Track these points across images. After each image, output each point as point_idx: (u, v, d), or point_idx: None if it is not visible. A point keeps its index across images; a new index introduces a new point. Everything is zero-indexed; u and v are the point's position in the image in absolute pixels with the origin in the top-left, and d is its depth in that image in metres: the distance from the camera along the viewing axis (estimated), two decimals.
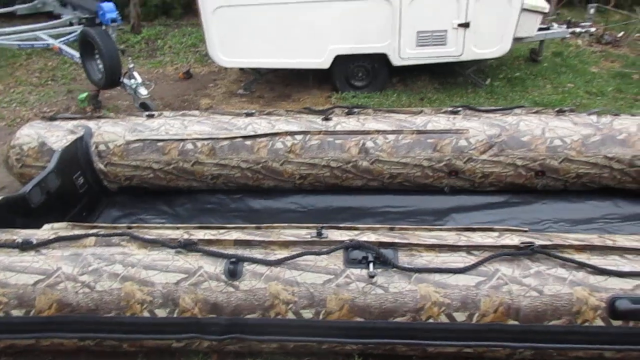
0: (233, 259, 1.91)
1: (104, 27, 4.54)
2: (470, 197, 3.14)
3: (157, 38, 7.10)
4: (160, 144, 3.11)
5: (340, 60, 4.86)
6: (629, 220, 2.88)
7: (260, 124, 3.17)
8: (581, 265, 1.85)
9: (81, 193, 3.11)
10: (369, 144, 3.07)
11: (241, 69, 5.54)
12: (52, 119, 3.34)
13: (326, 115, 3.20)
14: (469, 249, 1.94)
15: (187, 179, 3.19)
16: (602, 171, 2.99)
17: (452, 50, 4.73)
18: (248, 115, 3.28)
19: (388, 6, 4.54)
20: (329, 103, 4.90)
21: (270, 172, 3.15)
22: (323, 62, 4.81)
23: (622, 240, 1.99)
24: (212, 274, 1.92)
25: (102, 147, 3.15)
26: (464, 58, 4.78)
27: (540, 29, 5.48)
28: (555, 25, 5.55)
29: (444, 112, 3.22)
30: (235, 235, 2.06)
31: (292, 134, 3.10)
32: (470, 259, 1.90)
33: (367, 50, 4.77)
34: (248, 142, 3.11)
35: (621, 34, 6.56)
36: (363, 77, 5.01)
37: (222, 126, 3.17)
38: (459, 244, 1.96)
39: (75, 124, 3.24)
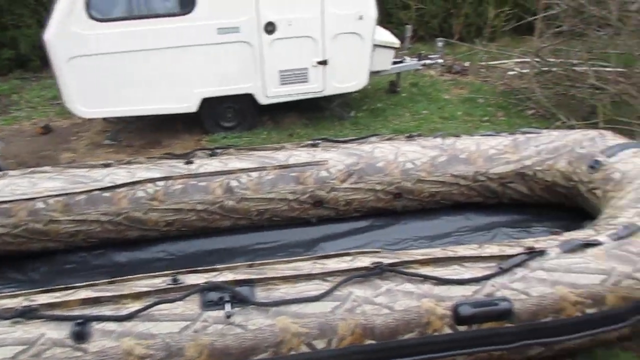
0: (79, 320, 1.79)
1: None
2: (337, 225, 3.24)
3: (12, 92, 6.64)
4: (4, 205, 2.88)
5: (208, 103, 4.87)
6: (478, 230, 3.14)
7: (119, 174, 3.05)
8: (425, 278, 1.98)
9: None
10: (233, 183, 3.08)
11: (105, 119, 5.32)
12: None
13: (188, 158, 3.17)
14: (324, 275, 2.00)
15: (41, 240, 2.97)
16: (452, 188, 3.25)
17: (314, 87, 4.95)
18: (106, 166, 3.16)
19: (249, 48, 4.66)
20: (200, 146, 4.86)
21: (133, 223, 3.03)
22: (190, 106, 4.79)
23: (462, 250, 2.16)
24: (57, 340, 1.78)
25: None
26: (326, 93, 5.02)
27: (395, 63, 5.93)
28: (407, 58, 6.01)
29: (305, 146, 3.33)
30: (83, 294, 1.94)
31: (153, 180, 3.03)
32: (325, 286, 1.95)
33: (233, 92, 4.83)
34: (107, 194, 2.98)
35: (467, 63, 7.28)
36: (232, 117, 5.05)
37: (77, 180, 3.01)
38: (314, 272, 2.01)
39: None
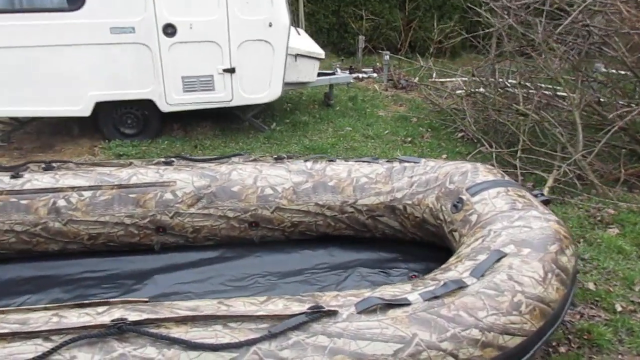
0: None
1: None
2: (183, 254, 2.88)
3: None
4: None
5: (105, 107, 4.51)
6: (336, 269, 2.78)
7: None
8: (173, 341, 1.62)
9: None
10: (61, 202, 2.72)
11: None
12: None
13: (17, 171, 2.81)
14: (47, 333, 1.63)
15: None
16: (317, 219, 2.91)
17: (221, 96, 4.60)
18: None
19: (147, 51, 4.31)
20: (94, 153, 4.50)
21: None
22: (83, 109, 4.43)
23: (239, 305, 1.80)
24: None
25: None
26: (234, 103, 4.67)
27: (325, 74, 5.60)
28: (339, 70, 5.68)
29: (156, 164, 2.98)
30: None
31: None
32: (43, 347, 1.59)
33: (131, 97, 4.47)
34: None
35: (416, 79, 6.96)
36: (133, 124, 4.69)
37: None
38: (41, 328, 1.64)
39: None
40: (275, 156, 3.09)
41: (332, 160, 3.06)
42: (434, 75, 6.82)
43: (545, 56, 4.32)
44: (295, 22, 7.65)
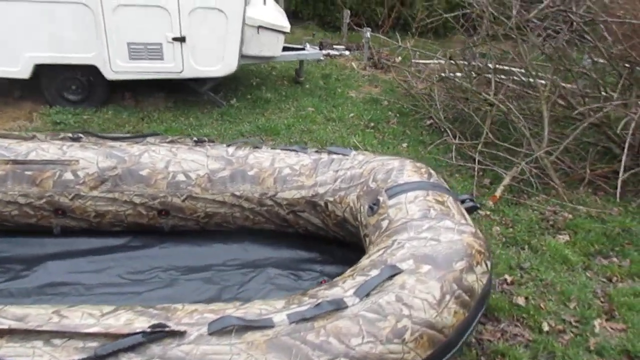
0: None
1: None
2: (85, 239, 2.66)
3: None
4: None
5: (47, 70, 4.23)
6: (246, 267, 2.55)
7: None
8: None
9: None
10: None
11: None
12: None
13: None
14: None
15: None
16: (233, 210, 2.67)
17: (170, 66, 4.30)
18: None
19: (89, 12, 4.00)
20: (32, 119, 4.24)
21: None
22: (20, 71, 4.14)
23: (75, 317, 1.56)
24: None
25: None
26: (185, 75, 4.37)
27: (293, 49, 5.28)
28: (308, 45, 5.36)
29: (62, 139, 2.72)
30: None
31: None
32: None
33: (72, 61, 4.18)
34: None
35: (399, 59, 6.62)
36: (77, 90, 4.42)
37: None
38: None
39: None
40: (196, 139, 2.83)
41: (257, 147, 2.80)
42: (417, 55, 6.47)
43: (518, 42, 4.00)
44: None
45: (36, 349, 1.44)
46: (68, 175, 2.55)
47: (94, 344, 1.47)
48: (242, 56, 4.74)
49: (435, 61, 5.54)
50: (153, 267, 2.53)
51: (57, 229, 2.65)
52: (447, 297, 1.75)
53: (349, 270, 1.93)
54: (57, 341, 1.46)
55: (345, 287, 1.75)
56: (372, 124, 4.69)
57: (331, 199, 2.55)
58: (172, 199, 2.62)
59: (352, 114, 4.90)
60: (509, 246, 3.03)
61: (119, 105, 4.59)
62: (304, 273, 2.51)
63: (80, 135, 2.75)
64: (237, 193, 2.63)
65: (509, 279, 2.73)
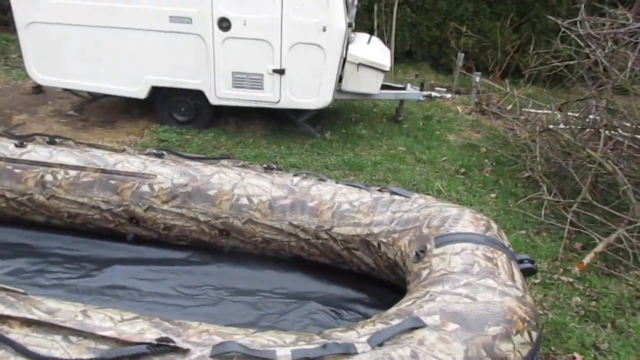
0: None
1: None
2: (152, 249, 2.84)
3: None
4: None
5: (161, 92, 4.67)
6: (292, 298, 2.54)
7: None
8: (5, 342, 1.53)
9: None
10: (48, 177, 2.81)
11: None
12: None
13: (22, 141, 2.95)
14: None
15: None
16: (290, 239, 2.70)
17: (269, 96, 4.52)
18: None
19: (202, 43, 4.36)
20: (143, 134, 4.68)
21: None
22: (139, 91, 4.61)
23: (96, 318, 1.65)
24: None
25: None
26: (281, 105, 4.56)
27: (393, 88, 5.29)
28: (409, 86, 5.32)
29: (147, 154, 2.96)
30: None
31: None
32: None
33: (183, 85, 4.57)
34: None
35: (509, 106, 6.33)
36: (186, 112, 4.80)
37: None
38: None
39: None
40: (265, 165, 2.93)
41: (322, 180, 2.82)
42: (530, 105, 6.14)
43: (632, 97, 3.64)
44: (386, 30, 7.39)
45: (54, 342, 1.56)
46: (145, 188, 2.76)
47: (104, 347, 1.55)
48: (341, 91, 4.87)
49: (545, 111, 5.21)
50: (206, 284, 2.62)
51: (130, 236, 2.87)
52: None
53: (374, 316, 1.84)
54: (73, 338, 1.57)
55: (361, 332, 1.68)
56: (464, 170, 4.50)
57: (384, 240, 2.47)
58: (233, 221, 2.71)
59: (444, 158, 4.75)
60: (587, 321, 2.70)
61: (220, 129, 4.90)
62: (346, 312, 2.45)
63: (164, 152, 2.97)
64: (295, 222, 2.66)
65: (578, 357, 2.42)
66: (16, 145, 2.91)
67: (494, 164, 4.73)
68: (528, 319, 1.79)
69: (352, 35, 4.99)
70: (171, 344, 1.54)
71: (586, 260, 3.10)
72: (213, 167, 2.86)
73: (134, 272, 2.67)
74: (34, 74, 4.65)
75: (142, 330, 1.62)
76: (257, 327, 2.20)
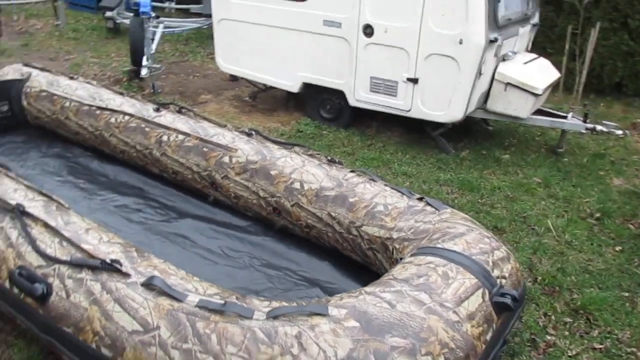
0: None
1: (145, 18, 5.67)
2: (223, 212, 3.26)
3: None
4: (54, 97, 3.97)
5: (310, 90, 5.11)
6: (304, 281, 2.68)
7: (116, 101, 3.78)
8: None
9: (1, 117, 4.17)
10: (165, 138, 3.45)
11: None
12: (25, 64, 4.49)
13: (159, 107, 3.66)
14: None
15: (59, 128, 4.00)
16: (327, 230, 2.83)
17: (401, 104, 4.58)
18: (122, 94, 3.92)
19: (347, 46, 4.66)
20: (289, 124, 5.19)
21: (103, 140, 3.75)
22: (293, 86, 5.14)
23: (94, 236, 2.06)
24: None
25: (28, 90, 4.16)
26: (412, 114, 4.57)
27: (551, 115, 4.81)
28: (570, 115, 4.76)
29: (240, 132, 3.37)
30: None
31: (124, 114, 3.65)
32: None
33: (328, 84, 4.92)
34: (97, 112, 3.77)
35: None
36: (330, 110, 5.15)
37: (93, 94, 3.88)
38: None
39: (26, 69, 4.33)
40: (329, 158, 3.07)
41: (373, 180, 2.86)
42: None
43: None
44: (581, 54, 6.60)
45: (53, 242, 2.03)
46: (226, 159, 3.18)
47: (79, 255, 1.95)
48: (487, 111, 4.67)
49: None
50: (246, 251, 2.92)
51: (210, 198, 3.33)
52: None
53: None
54: (65, 243, 2.02)
55: (273, 305, 1.76)
56: (598, 215, 3.89)
57: (398, 246, 2.42)
58: (284, 202, 2.94)
59: (586, 199, 4.16)
60: None
61: (359, 130, 5.13)
62: None
63: (253, 132, 3.34)
64: (333, 214, 2.77)
65: None
66: (154, 110, 3.62)
67: None
68: (453, 346, 1.64)
69: (511, 53, 4.71)
70: (118, 266, 1.87)
71: None
72: (285, 152, 3.12)
73: (199, 228, 3.12)
74: (219, 62, 5.56)
75: (112, 251, 1.99)
76: (255, 294, 2.41)
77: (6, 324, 2.36)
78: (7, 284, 2.01)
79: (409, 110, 4.57)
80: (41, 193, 2.37)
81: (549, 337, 2.51)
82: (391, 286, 1.81)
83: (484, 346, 1.74)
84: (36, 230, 2.08)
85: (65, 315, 1.85)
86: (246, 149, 3.16)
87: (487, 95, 4.61)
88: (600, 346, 2.50)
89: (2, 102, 4.18)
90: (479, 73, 4.23)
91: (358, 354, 1.57)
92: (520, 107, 4.53)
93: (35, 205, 2.23)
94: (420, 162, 4.55)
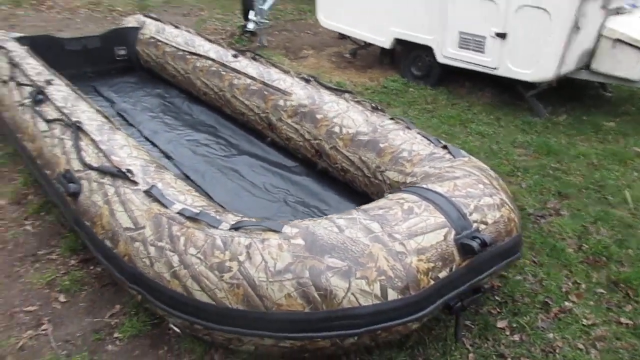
0: None
1: None
2: (276, 153, 3.46)
3: None
4: (158, 43, 4.49)
5: (403, 47, 5.05)
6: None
7: (204, 47, 4.16)
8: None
9: (118, 60, 4.81)
10: (235, 81, 3.73)
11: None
12: (145, 15, 5.08)
13: (236, 54, 3.94)
14: None
15: (161, 70, 4.52)
16: (358, 173, 2.89)
17: (488, 61, 4.32)
18: (211, 42, 4.28)
19: (437, 0, 4.49)
20: (377, 80, 5.18)
21: (190, 82, 4.17)
22: (385, 41, 5.12)
23: (124, 151, 2.38)
24: None
25: (141, 37, 4.74)
26: (499, 73, 4.30)
27: None
28: None
29: (300, 78, 3.51)
30: None
31: (207, 58, 4.01)
32: None
33: (418, 40, 4.81)
34: (187, 56, 4.18)
35: None
36: (422, 67, 5.04)
37: (189, 42, 4.30)
38: None
39: (143, 19, 4.91)
40: (373, 105, 3.08)
41: (408, 128, 2.82)
42: None
43: None
44: None
45: (90, 150, 2.39)
46: (281, 102, 3.35)
47: (107, 164, 2.28)
48: (591, 71, 4.25)
49: None
50: (284, 188, 3.09)
51: (268, 139, 3.54)
52: (287, 276, 1.66)
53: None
54: (100, 154, 2.36)
55: (241, 219, 1.92)
56: None
57: None
58: (324, 144, 3.05)
59: None
60: None
61: (448, 89, 4.95)
62: None
63: (311, 78, 3.46)
64: (363, 158, 2.81)
65: None
66: (232, 56, 3.91)
67: None
68: (391, 275, 1.66)
69: (628, 6, 4.17)
70: (129, 175, 2.16)
71: None
72: (333, 97, 3.20)
73: (252, 165, 3.36)
74: (320, 18, 5.71)
75: (133, 164, 2.29)
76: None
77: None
78: (57, 183, 2.43)
79: (496, 68, 4.31)
80: (103, 115, 2.77)
81: (567, 304, 2.32)
82: (350, 215, 1.85)
83: (432, 282, 1.72)
84: (84, 143, 2.47)
85: (87, 211, 2.20)
86: (300, 94, 3.30)
87: (591, 54, 4.17)
88: (628, 322, 2.25)
89: (122, 47, 4.80)
90: (576, 27, 3.83)
91: (295, 268, 1.67)
92: (630, 68, 4.02)
93: (92, 123, 2.62)
94: (504, 124, 4.30)
